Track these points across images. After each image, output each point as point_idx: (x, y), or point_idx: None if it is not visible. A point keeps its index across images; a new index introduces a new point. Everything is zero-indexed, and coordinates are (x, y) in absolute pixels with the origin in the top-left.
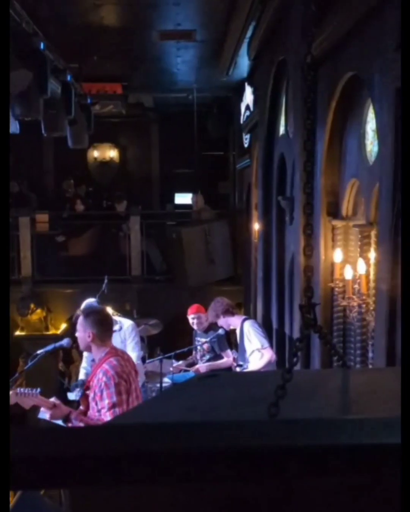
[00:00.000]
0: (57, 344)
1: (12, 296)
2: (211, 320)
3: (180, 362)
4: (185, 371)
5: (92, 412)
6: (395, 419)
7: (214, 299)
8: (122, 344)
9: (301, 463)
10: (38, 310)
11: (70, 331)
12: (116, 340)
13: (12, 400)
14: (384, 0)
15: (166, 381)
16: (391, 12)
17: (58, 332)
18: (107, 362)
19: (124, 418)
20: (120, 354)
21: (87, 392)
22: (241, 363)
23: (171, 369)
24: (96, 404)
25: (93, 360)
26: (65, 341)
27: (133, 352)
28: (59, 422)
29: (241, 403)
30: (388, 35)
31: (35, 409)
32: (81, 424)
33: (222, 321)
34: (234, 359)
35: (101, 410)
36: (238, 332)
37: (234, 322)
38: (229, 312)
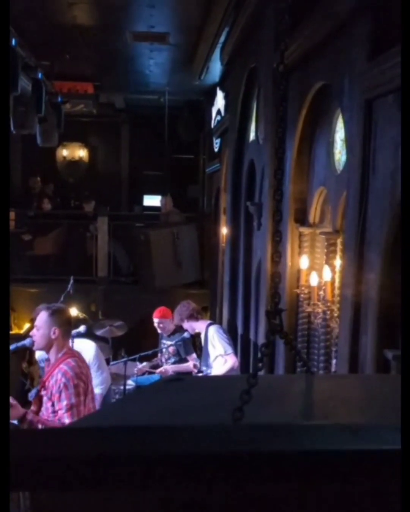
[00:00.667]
0: (19, 343)
1: None
2: (176, 323)
3: (145, 363)
4: (150, 373)
5: (46, 413)
6: (357, 425)
7: (180, 302)
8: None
9: (264, 468)
10: None
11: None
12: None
13: None
14: (355, 12)
15: (130, 383)
16: (362, 24)
17: (22, 331)
18: (65, 362)
19: (89, 420)
20: (77, 355)
21: (42, 392)
22: (202, 368)
23: (135, 371)
24: (52, 404)
25: (48, 360)
26: (27, 341)
27: (98, 377)
28: (14, 422)
29: (205, 408)
30: (359, 46)
31: None
32: (39, 425)
33: (187, 325)
34: (194, 366)
35: (58, 411)
36: (202, 336)
37: (198, 326)
38: (193, 317)
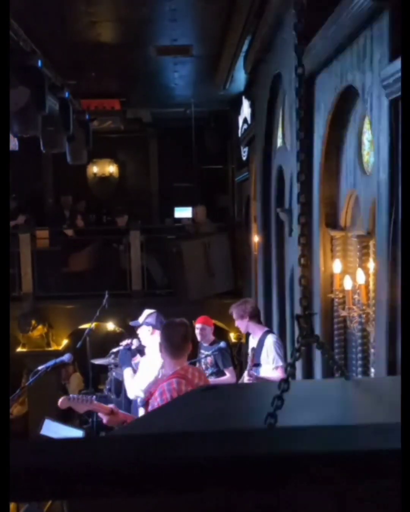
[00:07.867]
0: (58, 359)
1: (13, 312)
2: (236, 319)
3: None
4: None
5: None
6: (392, 425)
7: (240, 301)
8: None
9: (300, 471)
10: (39, 327)
11: (72, 347)
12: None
13: (65, 405)
14: (377, 12)
15: None
16: (385, 23)
17: (60, 348)
18: (169, 382)
19: (125, 430)
20: (185, 377)
21: (150, 399)
22: (252, 372)
23: None
24: None
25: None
26: (66, 357)
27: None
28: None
29: (239, 414)
30: (383, 45)
31: (36, 425)
32: None
33: (242, 323)
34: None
35: None
36: (255, 342)
37: (255, 330)
38: (254, 317)
